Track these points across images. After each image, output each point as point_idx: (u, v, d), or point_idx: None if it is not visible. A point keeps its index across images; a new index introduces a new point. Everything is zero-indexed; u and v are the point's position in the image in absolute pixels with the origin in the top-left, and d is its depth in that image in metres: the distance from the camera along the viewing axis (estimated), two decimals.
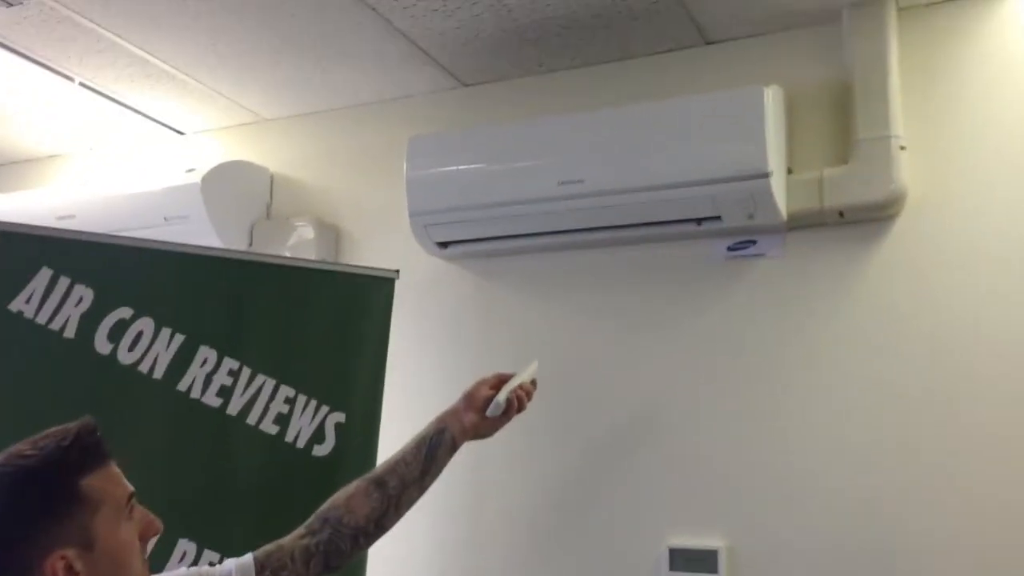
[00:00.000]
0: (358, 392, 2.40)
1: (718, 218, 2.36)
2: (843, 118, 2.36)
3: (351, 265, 2.58)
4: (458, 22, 2.49)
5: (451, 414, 1.74)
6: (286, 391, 2.28)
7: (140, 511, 1.24)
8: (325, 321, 2.39)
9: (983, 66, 2.27)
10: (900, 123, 2.25)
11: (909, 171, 2.25)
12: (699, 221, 2.40)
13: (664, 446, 2.44)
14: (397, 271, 2.52)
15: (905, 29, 2.32)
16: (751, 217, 2.32)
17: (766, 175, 2.23)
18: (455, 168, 2.58)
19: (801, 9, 2.39)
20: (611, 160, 2.39)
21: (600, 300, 2.59)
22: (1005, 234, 2.19)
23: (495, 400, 1.72)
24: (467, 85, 2.90)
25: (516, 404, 1.75)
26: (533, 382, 1.81)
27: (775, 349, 2.37)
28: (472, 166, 2.57)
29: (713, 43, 2.58)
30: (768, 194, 2.25)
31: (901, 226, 2.29)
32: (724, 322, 2.44)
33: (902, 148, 2.24)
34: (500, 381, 1.76)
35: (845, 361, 2.30)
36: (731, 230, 2.41)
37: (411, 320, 2.72)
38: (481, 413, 1.72)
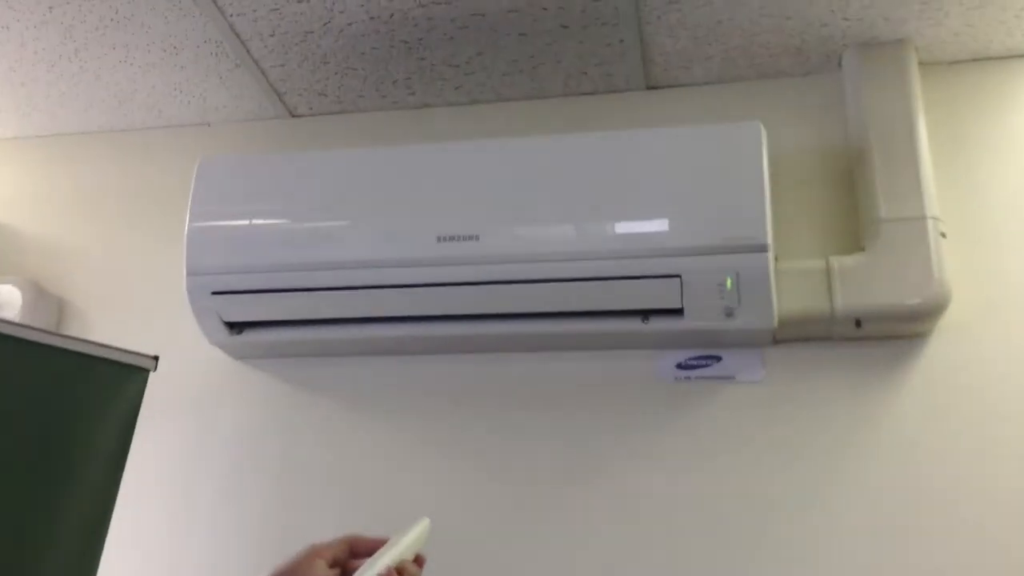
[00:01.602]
0: (60, 549, 1.38)
1: (679, 311, 1.56)
2: (846, 191, 1.70)
3: (76, 339, 1.54)
4: None
5: None
6: None
7: None
8: (14, 426, 1.37)
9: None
10: (935, 202, 1.60)
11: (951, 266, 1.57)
12: (646, 315, 1.59)
13: None
14: (155, 358, 1.55)
15: (926, 89, 1.72)
16: (730, 315, 1.55)
17: (764, 248, 1.49)
18: (268, 213, 1.67)
19: (782, 45, 1.73)
20: (522, 212, 1.58)
21: (486, 433, 1.71)
22: None
23: None
24: (296, 116, 2.02)
25: None
26: (418, 559, 0.98)
27: (751, 515, 1.56)
28: (293, 211, 1.66)
29: (657, 88, 1.87)
30: (764, 279, 1.50)
31: (937, 343, 1.59)
32: (676, 473, 1.61)
33: (943, 235, 1.57)
34: (351, 553, 0.98)
35: (852, 538, 1.51)
36: (691, 334, 1.62)
37: (174, 439, 1.82)
38: None
